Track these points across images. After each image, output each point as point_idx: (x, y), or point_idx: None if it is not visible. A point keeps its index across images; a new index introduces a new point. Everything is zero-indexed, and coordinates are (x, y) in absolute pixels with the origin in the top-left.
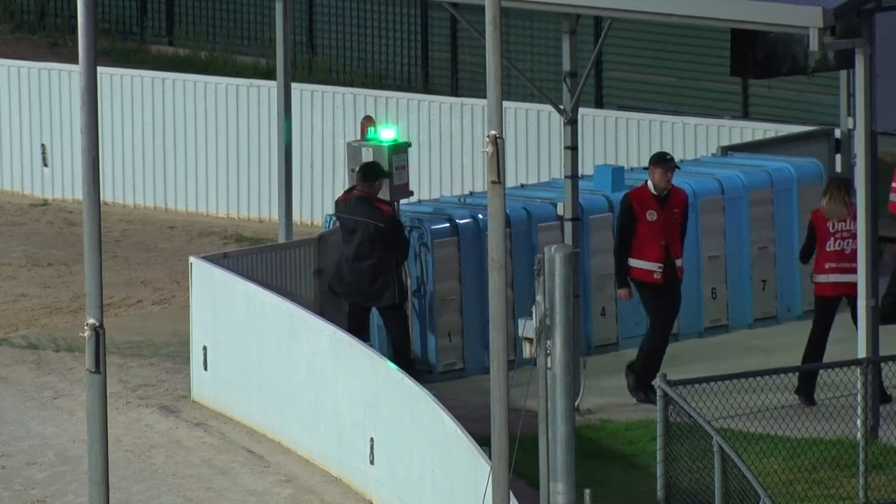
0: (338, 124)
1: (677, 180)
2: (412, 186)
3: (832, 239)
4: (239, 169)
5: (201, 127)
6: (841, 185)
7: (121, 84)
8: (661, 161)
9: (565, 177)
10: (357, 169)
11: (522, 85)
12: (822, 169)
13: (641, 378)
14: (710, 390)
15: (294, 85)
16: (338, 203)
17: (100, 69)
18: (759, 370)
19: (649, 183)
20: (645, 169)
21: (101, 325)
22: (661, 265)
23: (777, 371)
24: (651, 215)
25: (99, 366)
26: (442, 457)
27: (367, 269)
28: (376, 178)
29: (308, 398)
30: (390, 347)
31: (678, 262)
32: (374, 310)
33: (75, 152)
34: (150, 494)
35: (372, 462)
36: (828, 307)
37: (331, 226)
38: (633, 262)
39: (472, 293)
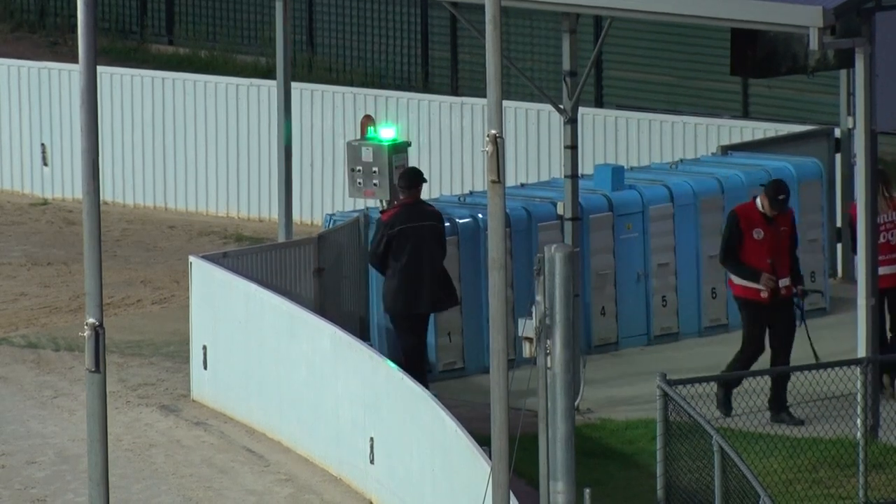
0: (338, 123)
1: (674, 179)
2: None
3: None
4: (239, 168)
5: (201, 126)
6: (882, 178)
7: (121, 83)
8: (774, 199)
9: (565, 176)
10: (399, 179)
11: (522, 84)
12: (821, 168)
13: (727, 392)
14: (710, 389)
15: (294, 84)
16: (391, 220)
17: (100, 68)
18: (759, 370)
19: (758, 201)
20: (644, 167)
21: (101, 325)
22: (774, 280)
23: (778, 371)
24: (758, 233)
25: (99, 365)
26: (442, 456)
27: (441, 273)
28: (419, 183)
29: (308, 397)
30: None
31: (784, 282)
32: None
33: (75, 152)
34: (149, 493)
35: (372, 461)
36: (883, 299)
37: (331, 225)
38: (739, 281)
39: (472, 292)
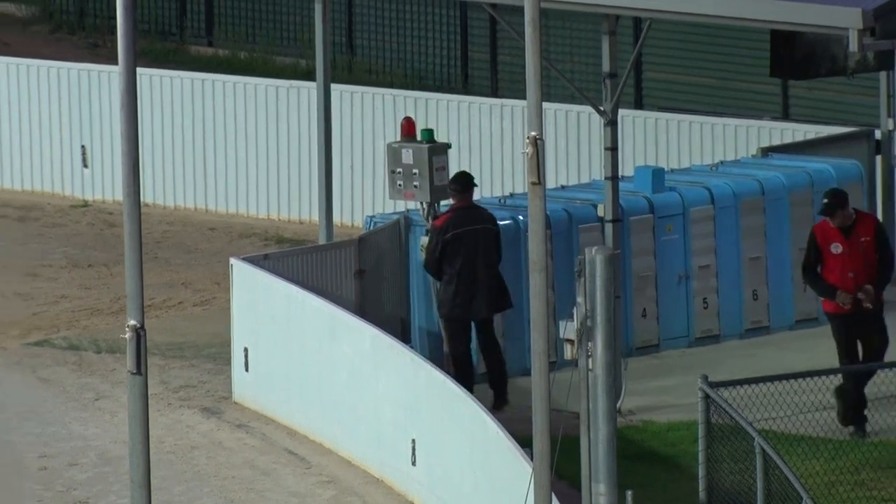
0: (377, 125)
1: (715, 181)
2: None
3: None
4: (279, 170)
5: (241, 128)
6: None
7: (160, 85)
8: (821, 205)
9: (605, 178)
10: (450, 183)
11: (562, 86)
12: (862, 170)
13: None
14: (751, 392)
15: (334, 86)
16: (444, 225)
17: (139, 70)
18: (801, 372)
19: None
20: (685, 169)
21: (142, 327)
22: (850, 296)
23: (820, 373)
24: (836, 248)
25: (140, 367)
26: (483, 458)
27: (497, 276)
28: (471, 186)
29: (349, 399)
30: (497, 354)
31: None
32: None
33: (115, 153)
34: (191, 496)
35: (414, 463)
36: None
37: (371, 227)
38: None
39: (513, 294)
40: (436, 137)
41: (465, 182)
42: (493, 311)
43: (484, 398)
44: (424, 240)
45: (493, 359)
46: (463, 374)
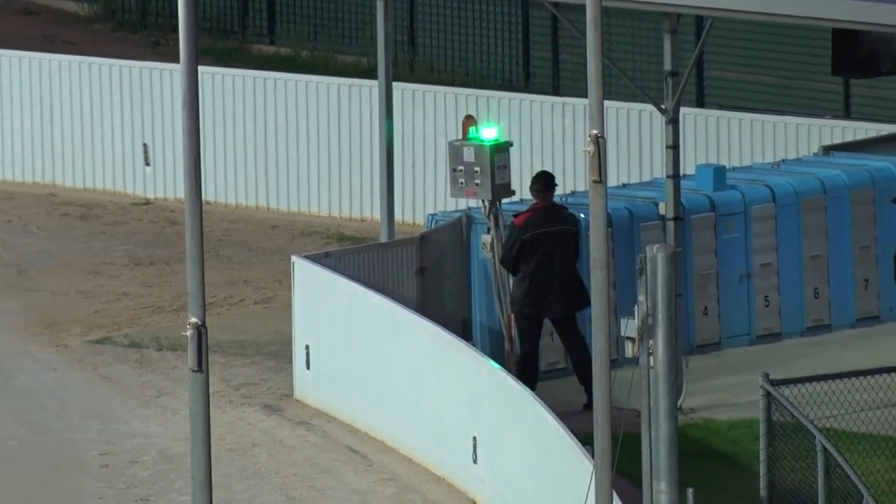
0: (439, 123)
1: (776, 179)
2: (513, 186)
3: None
4: (341, 168)
5: (302, 126)
6: None
7: (222, 83)
8: None
9: (667, 176)
10: (532, 182)
11: (624, 84)
12: None
13: None
14: (812, 389)
15: (395, 84)
16: (525, 224)
17: (201, 68)
18: (863, 370)
19: None
20: (746, 167)
21: (204, 324)
22: None
23: (882, 371)
24: None
25: (201, 364)
26: (545, 455)
27: (575, 275)
28: (552, 186)
29: (410, 397)
30: (580, 350)
31: None
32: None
33: (177, 151)
34: (253, 493)
35: (475, 461)
36: None
37: (433, 225)
38: None
39: None
40: (499, 136)
41: (546, 181)
42: (570, 310)
43: (545, 395)
44: (486, 237)
45: (578, 356)
46: (527, 372)
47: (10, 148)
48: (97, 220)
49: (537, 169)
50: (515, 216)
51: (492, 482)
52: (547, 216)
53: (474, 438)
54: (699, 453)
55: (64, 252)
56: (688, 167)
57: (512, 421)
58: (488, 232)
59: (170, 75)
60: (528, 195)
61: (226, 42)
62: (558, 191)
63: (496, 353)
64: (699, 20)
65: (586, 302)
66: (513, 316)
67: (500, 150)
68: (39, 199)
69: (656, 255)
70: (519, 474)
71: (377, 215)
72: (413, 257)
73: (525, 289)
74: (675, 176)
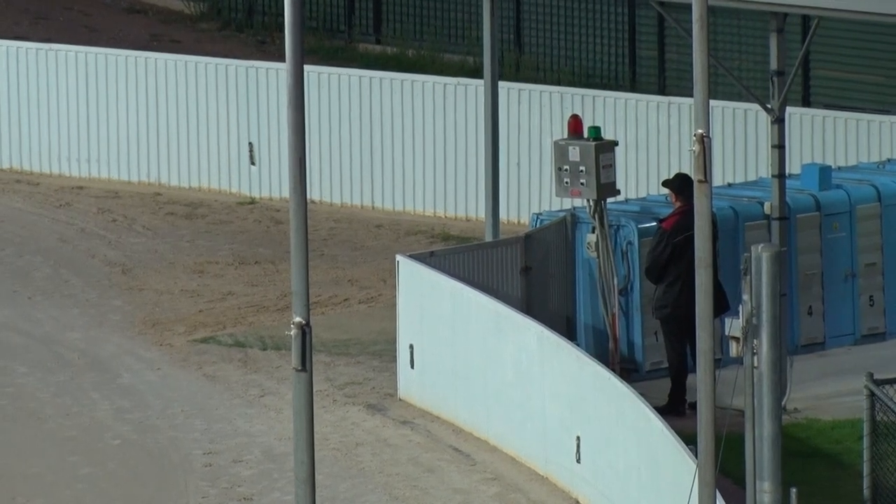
0: (545, 123)
1: (882, 179)
2: (619, 185)
3: None
4: (446, 168)
5: (408, 125)
6: None
7: (328, 82)
8: None
9: (772, 176)
10: (679, 185)
11: (729, 83)
12: None
13: None
14: None
15: (501, 83)
16: (674, 228)
17: (307, 67)
18: None
19: None
20: (852, 166)
21: (308, 324)
22: None
23: None
24: None
25: (305, 364)
26: (648, 455)
27: (717, 277)
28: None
29: (514, 396)
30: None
31: None
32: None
33: (282, 151)
34: (356, 492)
35: (578, 460)
36: None
37: (538, 224)
38: None
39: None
40: (603, 135)
41: (691, 184)
42: (715, 312)
43: (648, 393)
44: (591, 237)
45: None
46: (681, 374)
47: (116, 147)
48: (202, 219)
49: (643, 168)
50: (662, 221)
51: (595, 481)
52: (692, 218)
53: (578, 438)
54: (803, 453)
55: (169, 251)
56: (793, 167)
57: (616, 420)
58: (593, 231)
59: (276, 74)
60: (632, 194)
61: (332, 41)
62: (663, 190)
63: (601, 352)
64: (805, 19)
65: (727, 304)
66: (660, 321)
67: (606, 149)
68: (145, 198)
69: (761, 255)
70: (622, 473)
71: (482, 215)
72: (518, 257)
73: (677, 291)
74: (781, 175)
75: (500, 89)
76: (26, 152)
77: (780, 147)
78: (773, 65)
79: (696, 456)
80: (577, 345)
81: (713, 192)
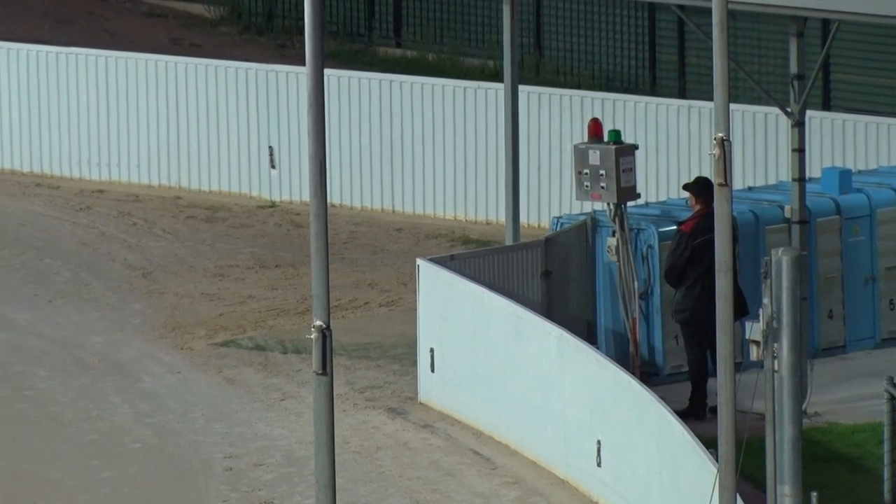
0: (565, 126)
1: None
2: (639, 189)
3: None
4: (466, 171)
5: (428, 129)
6: None
7: (348, 86)
8: None
9: (793, 179)
10: (700, 188)
11: (749, 87)
12: None
13: None
14: None
15: (521, 87)
16: (694, 230)
17: (327, 71)
18: None
19: None
20: (872, 170)
21: (328, 327)
22: None
23: None
24: None
25: (326, 367)
26: (668, 459)
27: (736, 281)
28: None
29: (534, 400)
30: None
31: None
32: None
33: (302, 154)
34: (377, 496)
35: (599, 464)
36: None
37: (558, 228)
38: None
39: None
40: (623, 138)
41: (712, 188)
42: (736, 315)
43: (668, 397)
44: (611, 241)
45: None
46: (702, 378)
47: (137, 150)
48: (222, 222)
49: (663, 172)
50: (681, 224)
51: (615, 485)
52: (711, 221)
53: (598, 442)
54: (823, 457)
55: (189, 255)
56: (813, 170)
57: (636, 424)
58: (613, 235)
59: (296, 78)
60: (652, 198)
61: (352, 45)
62: (684, 194)
63: (621, 356)
64: (825, 23)
65: (747, 308)
66: (679, 325)
67: (626, 153)
68: (165, 201)
69: (781, 259)
70: (643, 478)
71: (502, 218)
72: (538, 260)
73: (696, 295)
74: (801, 179)
75: (520, 93)
76: (46, 156)
77: (800, 151)
78: (794, 68)
79: (717, 460)
80: (598, 348)
81: (733, 195)
